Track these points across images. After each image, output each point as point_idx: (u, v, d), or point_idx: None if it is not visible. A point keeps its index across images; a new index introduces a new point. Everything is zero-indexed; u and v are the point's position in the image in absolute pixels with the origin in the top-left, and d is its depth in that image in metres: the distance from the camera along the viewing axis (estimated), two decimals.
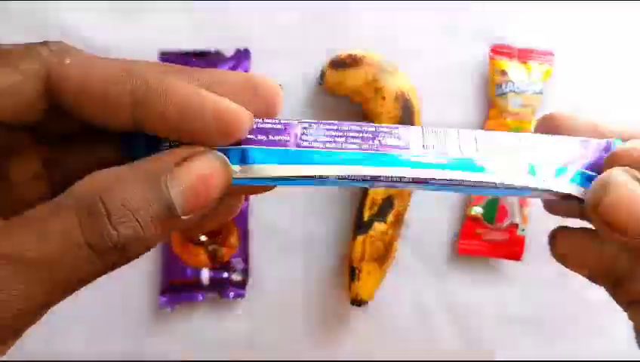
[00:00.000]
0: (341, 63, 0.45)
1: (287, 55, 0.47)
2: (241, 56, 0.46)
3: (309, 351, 0.48)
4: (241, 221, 0.47)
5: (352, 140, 0.20)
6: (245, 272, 0.47)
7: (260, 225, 0.48)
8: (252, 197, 0.47)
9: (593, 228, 0.21)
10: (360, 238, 0.45)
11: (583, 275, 0.24)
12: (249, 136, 0.19)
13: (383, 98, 0.44)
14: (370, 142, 0.20)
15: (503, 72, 0.47)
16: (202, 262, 0.46)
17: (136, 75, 0.17)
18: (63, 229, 0.16)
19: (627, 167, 0.19)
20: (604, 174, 0.20)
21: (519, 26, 0.49)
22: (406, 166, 0.20)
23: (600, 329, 0.48)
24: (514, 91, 0.47)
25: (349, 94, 0.46)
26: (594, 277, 0.24)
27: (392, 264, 0.46)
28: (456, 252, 0.48)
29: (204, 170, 0.17)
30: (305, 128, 0.20)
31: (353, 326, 0.49)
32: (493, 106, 0.48)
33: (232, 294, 0.47)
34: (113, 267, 0.17)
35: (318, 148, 0.20)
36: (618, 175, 0.19)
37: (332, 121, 0.21)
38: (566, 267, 0.24)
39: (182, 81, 0.18)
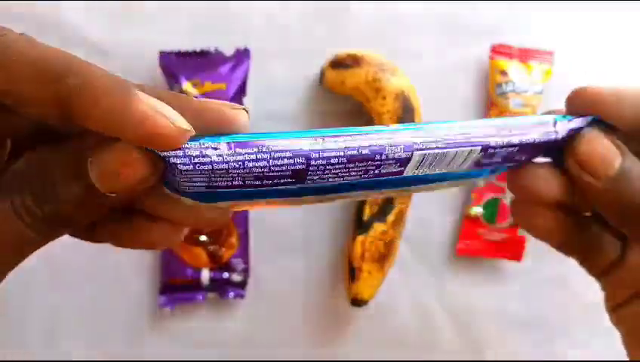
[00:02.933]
0: (341, 63, 0.45)
1: (287, 55, 0.47)
2: (241, 56, 0.46)
3: (309, 351, 0.48)
4: (241, 221, 0.47)
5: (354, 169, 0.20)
6: (245, 272, 0.47)
7: (259, 225, 0.48)
8: None
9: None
10: (360, 238, 0.45)
11: (552, 244, 0.25)
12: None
13: (383, 98, 0.44)
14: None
15: (503, 72, 0.47)
16: (202, 262, 0.46)
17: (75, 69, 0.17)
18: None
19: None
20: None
21: (519, 26, 0.49)
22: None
23: (600, 329, 0.48)
24: (514, 91, 0.47)
25: (349, 94, 0.46)
26: (565, 249, 0.25)
27: (392, 264, 0.46)
28: (456, 252, 0.48)
29: (111, 160, 0.18)
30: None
31: (353, 326, 0.49)
32: (493, 106, 0.48)
33: (232, 294, 0.47)
34: (41, 235, 0.19)
35: None
36: (591, 129, 0.23)
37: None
38: (536, 236, 0.25)
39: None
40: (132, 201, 0.21)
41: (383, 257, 0.45)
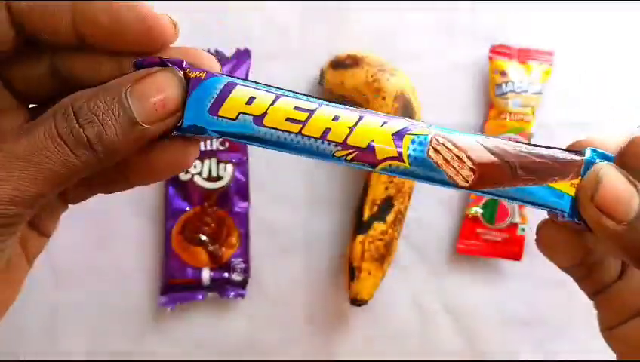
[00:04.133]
0: (341, 63, 0.45)
1: (287, 55, 0.47)
2: (241, 56, 0.46)
3: (309, 351, 0.48)
4: (242, 221, 0.47)
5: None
6: (245, 272, 0.47)
7: (260, 225, 0.48)
8: (253, 197, 0.47)
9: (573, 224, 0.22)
10: (360, 238, 0.45)
11: (559, 266, 0.25)
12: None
13: (383, 98, 0.44)
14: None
15: (503, 72, 0.47)
16: (202, 262, 0.46)
17: None
18: (45, 129, 0.20)
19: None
20: (595, 167, 0.21)
21: (519, 26, 0.49)
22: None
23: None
24: (514, 91, 0.47)
25: (349, 94, 0.46)
26: (568, 268, 0.25)
27: (392, 264, 0.46)
28: (456, 252, 0.48)
29: (159, 83, 0.21)
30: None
31: (353, 326, 0.49)
32: (493, 106, 0.48)
33: (232, 294, 0.47)
34: (88, 164, 0.20)
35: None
36: (607, 167, 0.21)
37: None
38: (548, 258, 0.25)
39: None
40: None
41: (383, 257, 0.45)
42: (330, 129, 0.21)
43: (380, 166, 0.21)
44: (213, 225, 0.47)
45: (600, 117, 0.49)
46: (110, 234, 0.47)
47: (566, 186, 0.21)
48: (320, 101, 0.21)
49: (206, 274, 0.46)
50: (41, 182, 0.19)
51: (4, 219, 0.20)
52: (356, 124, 0.21)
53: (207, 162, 0.46)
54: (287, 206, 0.48)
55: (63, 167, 0.20)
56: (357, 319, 0.49)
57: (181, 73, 0.21)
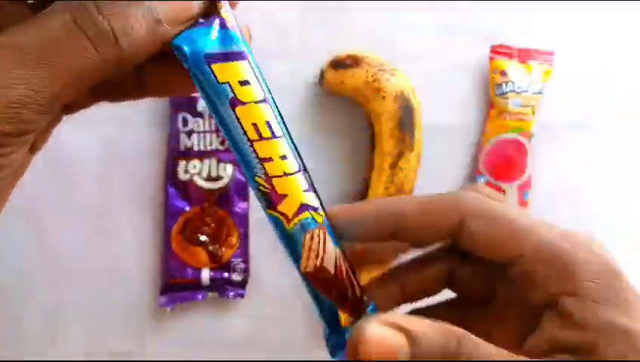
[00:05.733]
0: (341, 63, 0.45)
1: (287, 55, 0.47)
2: None
3: (309, 351, 0.48)
4: (242, 221, 0.47)
5: None
6: (245, 272, 0.47)
7: (259, 225, 0.48)
8: (252, 197, 0.47)
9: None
10: None
11: None
12: None
13: (383, 98, 0.44)
14: None
15: (503, 72, 0.47)
16: (202, 262, 0.46)
17: None
18: (60, 21, 0.17)
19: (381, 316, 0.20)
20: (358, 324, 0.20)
21: (519, 26, 0.49)
22: None
23: None
24: (514, 91, 0.47)
25: (349, 94, 0.46)
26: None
27: (391, 264, 0.46)
28: None
29: None
30: None
31: None
32: (493, 106, 0.48)
33: (232, 294, 0.47)
34: (109, 63, 0.18)
35: None
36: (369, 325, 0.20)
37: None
38: None
39: None
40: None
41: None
42: (271, 160, 0.22)
43: (272, 212, 0.22)
44: (213, 225, 0.47)
45: (600, 117, 0.49)
46: (110, 234, 0.47)
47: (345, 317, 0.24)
48: (286, 132, 0.22)
49: (206, 274, 0.46)
50: (57, 81, 0.17)
51: (16, 125, 0.17)
52: (291, 174, 0.22)
53: (207, 162, 0.46)
54: None
55: (81, 64, 0.17)
56: None
57: None
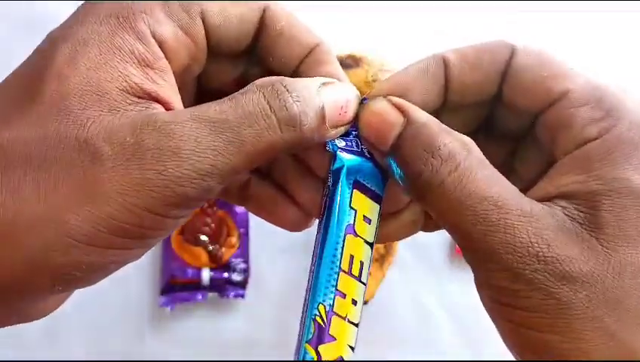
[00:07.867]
0: (341, 63, 0.45)
1: None
2: None
3: None
4: (242, 221, 0.47)
5: None
6: (245, 272, 0.47)
7: (259, 225, 0.48)
8: None
9: None
10: None
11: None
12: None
13: None
14: None
15: None
16: (202, 262, 0.46)
17: None
18: (254, 100, 0.19)
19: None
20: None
21: (518, 27, 0.49)
22: None
23: None
24: None
25: None
26: None
27: (392, 264, 0.46)
28: (456, 252, 0.48)
29: (343, 93, 0.21)
30: None
31: None
32: None
33: (232, 294, 0.47)
34: (287, 144, 0.19)
35: None
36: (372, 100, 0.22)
37: None
38: None
39: None
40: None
41: (383, 257, 0.45)
42: (344, 297, 0.22)
43: (309, 348, 0.21)
44: (213, 225, 0.47)
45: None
46: None
47: None
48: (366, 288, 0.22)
49: (206, 274, 0.46)
50: (242, 155, 0.18)
51: (199, 192, 0.18)
52: (351, 322, 0.22)
53: None
54: None
55: (265, 142, 0.18)
56: None
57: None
